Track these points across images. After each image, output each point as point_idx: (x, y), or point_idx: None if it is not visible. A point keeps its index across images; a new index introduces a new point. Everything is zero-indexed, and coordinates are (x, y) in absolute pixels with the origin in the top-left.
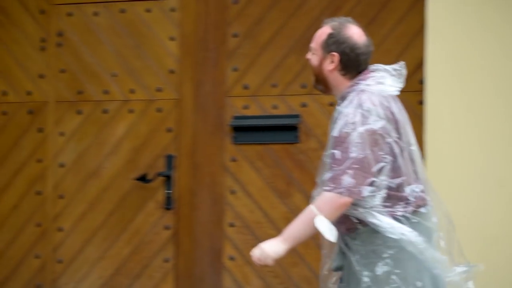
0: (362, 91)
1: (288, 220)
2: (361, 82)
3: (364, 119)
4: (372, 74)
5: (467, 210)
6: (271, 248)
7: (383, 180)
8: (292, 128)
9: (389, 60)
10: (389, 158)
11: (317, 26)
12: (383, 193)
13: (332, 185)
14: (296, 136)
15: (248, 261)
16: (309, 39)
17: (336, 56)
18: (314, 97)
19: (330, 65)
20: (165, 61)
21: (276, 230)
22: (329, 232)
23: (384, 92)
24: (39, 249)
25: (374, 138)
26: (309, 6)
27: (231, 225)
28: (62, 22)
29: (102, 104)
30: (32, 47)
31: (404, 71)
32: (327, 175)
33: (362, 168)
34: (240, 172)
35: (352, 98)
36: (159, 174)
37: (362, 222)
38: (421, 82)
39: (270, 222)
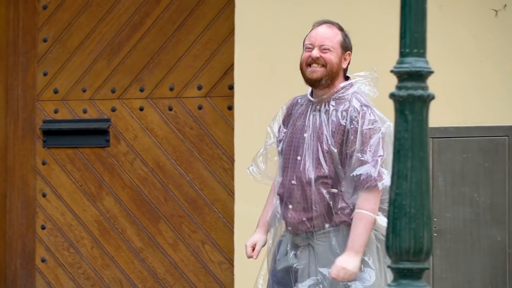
0: (355, 92)
1: (99, 223)
2: (352, 84)
3: (379, 119)
4: (358, 80)
5: None
6: (352, 265)
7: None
8: (102, 132)
9: (198, 66)
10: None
11: (127, 31)
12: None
13: (372, 181)
14: (106, 140)
15: (60, 263)
16: (118, 44)
17: (350, 55)
18: (123, 102)
19: (345, 63)
20: None
21: (87, 233)
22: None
23: (367, 95)
24: None
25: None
26: (118, 11)
27: (43, 228)
28: None
29: None
30: None
31: (376, 79)
32: (361, 172)
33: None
34: (51, 175)
35: (354, 97)
36: None
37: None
38: (230, 87)
39: (81, 225)
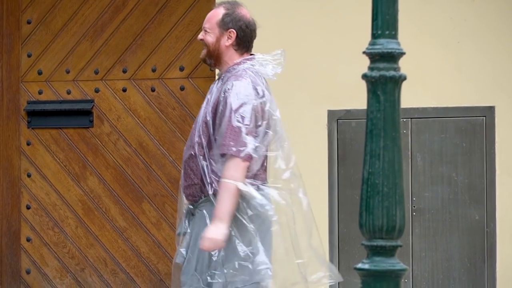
0: (246, 69)
1: (83, 202)
2: (246, 61)
3: (256, 93)
4: (256, 57)
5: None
6: (217, 233)
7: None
8: (86, 113)
9: (180, 47)
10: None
11: (109, 13)
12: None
13: (233, 149)
14: (90, 121)
15: (45, 242)
16: (101, 25)
17: (233, 32)
18: (106, 83)
19: (228, 41)
20: None
21: (71, 212)
22: (255, 192)
23: (264, 74)
24: None
25: (259, 111)
26: None
27: (28, 208)
28: None
29: None
30: None
31: (282, 58)
32: (223, 140)
33: (252, 135)
34: (35, 155)
35: (242, 72)
36: None
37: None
38: (212, 69)
39: (66, 205)
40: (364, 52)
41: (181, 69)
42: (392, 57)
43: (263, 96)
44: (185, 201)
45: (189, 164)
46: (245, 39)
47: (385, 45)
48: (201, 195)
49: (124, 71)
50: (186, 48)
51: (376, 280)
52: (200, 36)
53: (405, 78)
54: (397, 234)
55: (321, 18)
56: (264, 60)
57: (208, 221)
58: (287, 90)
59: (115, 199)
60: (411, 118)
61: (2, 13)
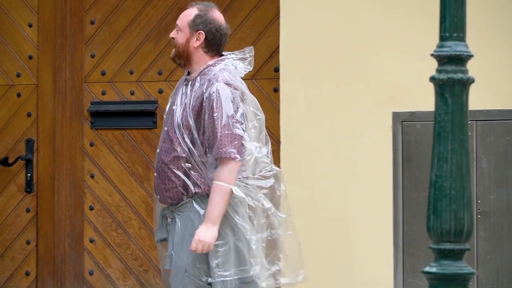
0: (222, 70)
1: (146, 203)
2: (220, 62)
3: (240, 94)
4: (228, 57)
5: (320, 195)
6: (209, 236)
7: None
8: (150, 114)
9: (244, 48)
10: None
11: (173, 14)
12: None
13: (227, 152)
14: (153, 122)
15: (108, 243)
16: (165, 26)
17: (202, 34)
18: (170, 84)
19: (196, 42)
20: (24, 47)
21: (135, 214)
22: (245, 198)
23: (238, 74)
24: None
25: (248, 113)
26: None
27: (91, 209)
28: None
29: None
30: None
31: (252, 56)
32: (218, 144)
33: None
34: (99, 156)
35: (219, 73)
36: (20, 158)
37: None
38: (276, 69)
39: (129, 206)
40: (432, 55)
41: None
42: (460, 60)
43: (245, 98)
44: (161, 202)
45: (170, 167)
46: (214, 42)
47: (453, 47)
48: (182, 198)
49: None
50: None
51: (444, 284)
52: (172, 34)
53: (473, 81)
54: (465, 238)
55: (386, 20)
56: (235, 59)
57: (196, 223)
58: (352, 92)
59: None
60: (476, 121)
61: (65, 14)
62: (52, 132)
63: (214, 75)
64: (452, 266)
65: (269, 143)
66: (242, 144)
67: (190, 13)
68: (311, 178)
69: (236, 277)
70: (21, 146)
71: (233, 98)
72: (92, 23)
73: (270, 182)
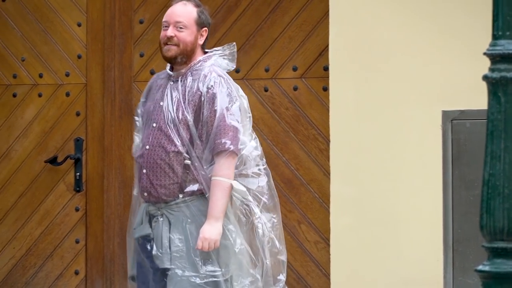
0: (213, 66)
1: None
2: (210, 57)
3: (235, 90)
4: (215, 53)
5: (369, 194)
6: (214, 233)
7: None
8: None
9: (293, 47)
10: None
11: (222, 13)
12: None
13: (227, 147)
14: None
15: None
16: (214, 26)
17: (206, 31)
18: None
19: (201, 40)
20: (73, 46)
21: None
22: (246, 191)
23: (224, 69)
24: None
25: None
26: None
27: None
28: None
29: (12, 88)
30: None
31: (235, 53)
32: (217, 139)
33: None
34: None
35: (211, 69)
36: (69, 157)
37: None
38: (325, 68)
39: None
40: (484, 53)
41: (294, 69)
42: None
43: (241, 94)
44: (143, 201)
45: (169, 163)
46: (207, 38)
47: (506, 46)
48: (177, 195)
49: (237, 71)
50: (299, 48)
51: (497, 282)
52: (171, 32)
53: None
54: None
55: (436, 18)
56: (221, 55)
57: (197, 220)
58: (401, 90)
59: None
60: None
61: (114, 13)
62: (101, 131)
63: (209, 70)
64: (505, 265)
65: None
66: (238, 137)
67: (190, 10)
68: (360, 177)
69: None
70: (70, 145)
71: (230, 92)
72: (141, 22)
73: (263, 180)
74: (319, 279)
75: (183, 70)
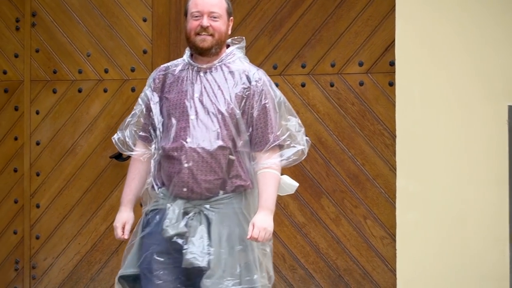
0: (243, 58)
1: None
2: (237, 50)
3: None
4: (235, 45)
5: (435, 189)
6: (270, 224)
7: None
8: None
9: (359, 42)
10: None
11: (288, 8)
12: None
13: (277, 140)
14: None
15: None
16: (280, 20)
17: (232, 20)
18: (285, 78)
19: (229, 29)
20: (138, 41)
21: None
22: (296, 186)
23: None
24: (16, 225)
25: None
26: None
27: None
28: (36, 3)
29: (77, 83)
30: (7, 27)
31: (244, 45)
32: (267, 136)
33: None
34: None
35: (245, 62)
36: None
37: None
38: (391, 63)
39: None
40: None
41: (360, 64)
42: None
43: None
44: (177, 197)
45: (215, 156)
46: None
47: None
48: (219, 191)
49: (303, 66)
50: (365, 43)
51: None
52: (206, 22)
53: None
54: None
55: (501, 13)
56: (239, 48)
57: (240, 216)
58: (467, 85)
59: (294, 195)
60: None
61: (179, 8)
62: None
63: (245, 63)
64: None
65: None
66: (283, 131)
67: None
68: (426, 172)
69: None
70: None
71: (273, 86)
72: None
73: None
74: (385, 274)
75: (215, 62)
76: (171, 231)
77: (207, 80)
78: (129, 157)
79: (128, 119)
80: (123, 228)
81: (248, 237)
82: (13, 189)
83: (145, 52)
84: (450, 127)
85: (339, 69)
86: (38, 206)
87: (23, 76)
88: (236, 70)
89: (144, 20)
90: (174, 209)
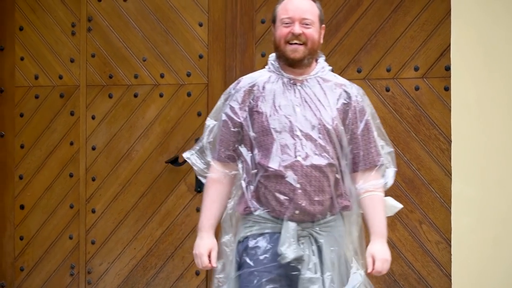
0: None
1: None
2: (324, 62)
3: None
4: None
5: (490, 194)
6: (389, 254)
7: None
8: None
9: (414, 47)
10: None
11: (344, 13)
12: None
13: (380, 160)
14: None
15: None
16: (336, 25)
17: (324, 28)
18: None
19: (321, 38)
20: (194, 46)
21: None
22: (399, 208)
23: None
24: (72, 230)
25: None
26: None
27: None
28: (92, 7)
29: (133, 88)
30: (63, 32)
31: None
32: (372, 156)
33: None
34: None
35: (336, 75)
36: None
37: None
38: (447, 68)
39: None
40: None
41: (416, 69)
42: None
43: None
44: (296, 219)
45: (326, 175)
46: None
47: None
48: (327, 213)
49: (359, 71)
50: (421, 48)
51: None
52: (299, 30)
53: None
54: None
55: None
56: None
57: (347, 241)
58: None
59: None
60: None
61: (236, 13)
62: None
63: (338, 77)
64: None
65: None
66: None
67: (314, 5)
68: (481, 177)
69: None
70: (191, 145)
71: (368, 100)
72: (262, 22)
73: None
74: (440, 279)
75: (312, 73)
76: (290, 255)
77: (306, 93)
78: (185, 161)
79: (206, 137)
80: (209, 255)
81: (369, 271)
82: (68, 194)
83: (201, 57)
84: (505, 131)
85: (395, 74)
86: (93, 211)
87: (79, 81)
88: (334, 84)
89: (200, 25)
90: (287, 232)
